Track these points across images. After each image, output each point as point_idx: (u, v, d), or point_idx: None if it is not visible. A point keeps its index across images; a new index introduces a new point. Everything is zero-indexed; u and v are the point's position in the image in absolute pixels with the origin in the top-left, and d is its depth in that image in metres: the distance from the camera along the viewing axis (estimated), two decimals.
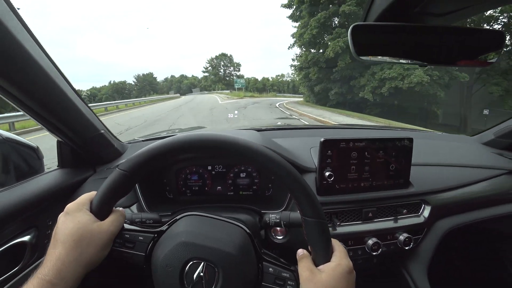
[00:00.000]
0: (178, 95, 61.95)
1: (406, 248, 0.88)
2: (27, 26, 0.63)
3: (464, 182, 1.01)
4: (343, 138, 0.81)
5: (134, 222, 0.65)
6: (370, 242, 0.84)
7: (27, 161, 1.02)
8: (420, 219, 0.92)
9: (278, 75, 79.66)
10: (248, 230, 0.56)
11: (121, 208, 0.55)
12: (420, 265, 0.93)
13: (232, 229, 0.55)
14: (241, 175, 0.97)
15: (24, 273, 0.73)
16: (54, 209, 0.86)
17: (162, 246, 0.52)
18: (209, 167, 0.98)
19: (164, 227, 0.56)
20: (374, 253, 0.84)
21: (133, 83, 79.11)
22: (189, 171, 0.98)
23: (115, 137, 1.09)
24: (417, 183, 0.93)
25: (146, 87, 78.21)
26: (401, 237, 0.87)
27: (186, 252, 0.49)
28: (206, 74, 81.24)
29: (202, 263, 0.48)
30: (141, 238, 0.54)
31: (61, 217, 0.49)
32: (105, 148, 1.02)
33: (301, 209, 0.50)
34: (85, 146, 0.93)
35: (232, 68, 79.13)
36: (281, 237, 0.83)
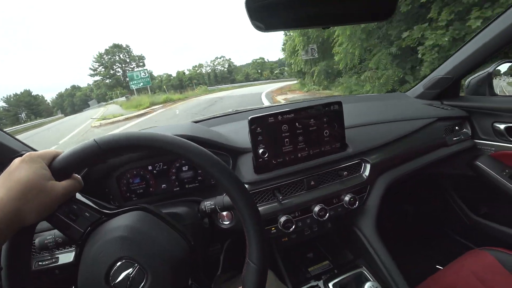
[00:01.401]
0: (62, 115, 48.10)
1: (353, 207, 0.92)
2: None
3: (398, 136, 1.07)
4: (269, 113, 0.81)
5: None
6: (316, 209, 0.86)
7: None
8: (362, 178, 0.96)
9: (195, 66, 65.44)
10: (192, 247, 0.55)
11: (79, 176, 0.51)
12: (368, 220, 0.98)
13: (175, 238, 0.54)
14: (183, 168, 0.94)
15: None
16: None
17: (104, 232, 0.50)
18: (150, 167, 0.94)
19: (117, 211, 0.54)
20: (322, 219, 0.87)
21: (1, 108, 54.12)
22: (130, 175, 0.94)
23: None
24: (354, 144, 0.97)
25: (21, 109, 53.82)
26: (346, 198, 0.91)
27: (124, 248, 0.47)
28: (98, 78, 54.75)
29: (136, 266, 0.47)
30: (87, 214, 0.51)
31: (16, 162, 0.45)
32: None
33: (248, 250, 0.50)
34: None
35: (134, 64, 54.24)
36: (227, 222, 0.83)
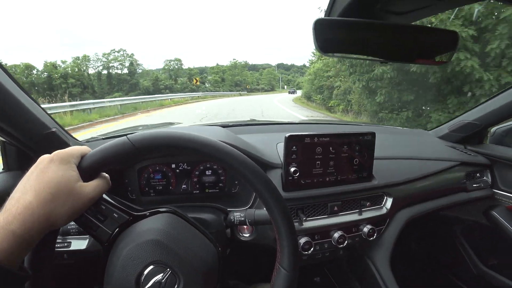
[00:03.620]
0: None
1: (370, 239, 0.91)
2: None
3: (423, 174, 1.07)
4: (307, 133, 0.81)
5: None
6: (336, 235, 0.86)
7: None
8: (383, 211, 0.96)
9: (77, 58, 40.90)
10: (220, 250, 0.55)
11: (107, 175, 0.49)
12: (383, 254, 0.97)
13: (206, 244, 0.53)
14: (207, 172, 0.94)
15: None
16: None
17: (135, 234, 0.48)
18: (173, 165, 0.94)
19: (146, 213, 0.53)
20: (340, 246, 0.86)
21: None
22: (152, 170, 0.93)
23: (70, 135, 1.00)
24: (380, 176, 0.96)
25: None
26: (365, 229, 0.90)
27: (157, 252, 0.46)
28: None
29: (168, 270, 0.46)
30: (115, 215, 0.50)
31: (44, 161, 0.43)
32: (58, 147, 0.93)
33: (279, 256, 0.51)
34: (34, 146, 0.84)
35: None
36: (247, 235, 0.82)
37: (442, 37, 0.69)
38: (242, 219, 0.66)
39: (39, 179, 0.41)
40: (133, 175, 0.93)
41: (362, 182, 0.93)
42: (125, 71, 45.74)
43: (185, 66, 56.53)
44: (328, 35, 0.61)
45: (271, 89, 72.54)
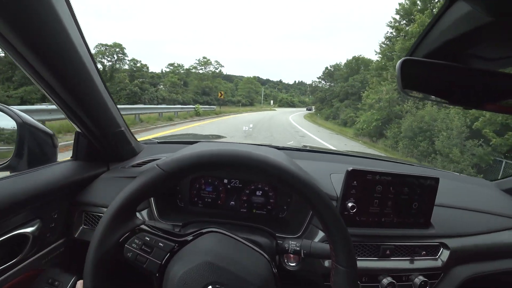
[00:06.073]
0: None
1: None
2: (74, 12, 0.63)
3: (486, 229, 0.97)
4: (370, 170, 0.78)
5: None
6: (385, 281, 0.80)
7: (41, 147, 1.01)
8: (438, 263, 0.88)
9: None
10: (273, 263, 0.54)
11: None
12: None
13: (257, 258, 0.53)
14: (257, 193, 0.94)
15: (22, 265, 0.71)
16: (61, 201, 0.84)
17: (184, 260, 0.49)
18: (225, 180, 0.95)
19: (188, 238, 0.53)
20: None
21: None
22: (204, 181, 0.96)
23: (133, 136, 1.07)
24: (438, 225, 0.89)
25: None
26: (417, 280, 0.83)
27: (210, 274, 0.46)
28: None
29: None
30: (161, 244, 0.51)
31: None
32: (123, 146, 1.00)
33: (334, 255, 0.49)
34: (104, 141, 0.92)
35: None
36: (293, 264, 0.79)
37: None
38: (297, 248, 0.63)
39: None
40: (185, 184, 0.96)
41: (419, 228, 0.87)
42: None
43: (129, 57, 37.28)
44: (413, 74, 0.59)
45: (249, 103, 57.55)
